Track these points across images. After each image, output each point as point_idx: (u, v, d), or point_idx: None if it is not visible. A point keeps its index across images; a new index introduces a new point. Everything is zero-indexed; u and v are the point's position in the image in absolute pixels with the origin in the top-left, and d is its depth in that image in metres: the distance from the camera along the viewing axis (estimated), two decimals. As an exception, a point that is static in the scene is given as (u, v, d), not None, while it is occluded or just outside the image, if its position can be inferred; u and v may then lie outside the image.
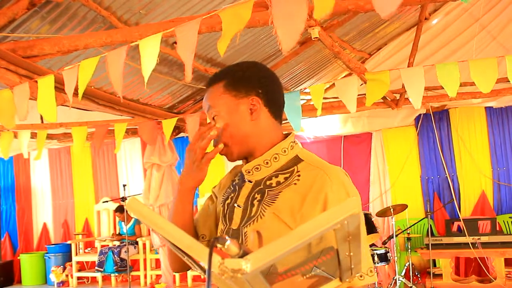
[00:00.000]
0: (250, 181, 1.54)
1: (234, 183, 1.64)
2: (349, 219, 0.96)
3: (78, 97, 3.37)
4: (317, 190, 1.39)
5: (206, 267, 0.91)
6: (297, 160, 1.51)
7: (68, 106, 4.07)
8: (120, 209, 8.57)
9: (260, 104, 1.50)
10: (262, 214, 1.43)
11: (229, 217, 1.53)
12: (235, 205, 1.53)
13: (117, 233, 8.95)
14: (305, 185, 1.42)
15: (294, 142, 1.57)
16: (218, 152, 1.51)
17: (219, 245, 0.94)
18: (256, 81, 1.52)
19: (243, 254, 0.95)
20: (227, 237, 0.94)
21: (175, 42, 3.02)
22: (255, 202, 1.47)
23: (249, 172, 1.54)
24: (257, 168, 1.52)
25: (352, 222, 0.98)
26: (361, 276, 1.37)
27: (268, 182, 1.49)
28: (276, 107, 1.55)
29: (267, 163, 1.51)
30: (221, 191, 1.70)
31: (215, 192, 1.74)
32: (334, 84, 5.37)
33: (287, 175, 1.48)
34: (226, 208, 1.58)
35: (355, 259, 1.18)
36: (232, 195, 1.59)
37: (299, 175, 1.46)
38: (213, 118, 1.52)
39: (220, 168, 8.75)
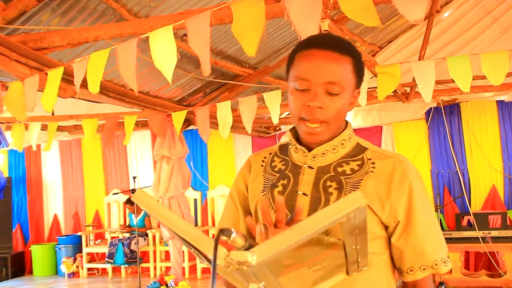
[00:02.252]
0: (311, 167, 1.44)
1: (276, 169, 1.51)
2: (355, 212, 0.96)
3: (89, 90, 3.38)
4: (400, 179, 1.38)
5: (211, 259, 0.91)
6: (361, 148, 1.47)
7: (75, 98, 4.09)
8: (130, 201, 8.60)
9: (357, 99, 1.47)
10: None
11: (289, 206, 1.39)
12: (300, 193, 1.41)
13: (127, 224, 9.00)
14: (384, 174, 1.40)
15: None
16: None
17: (224, 238, 0.94)
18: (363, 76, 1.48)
19: (249, 246, 0.95)
20: (232, 229, 0.94)
21: (185, 35, 3.02)
22: (332, 190, 1.39)
23: (314, 157, 1.44)
24: (323, 154, 1.44)
25: (358, 215, 0.98)
26: (444, 262, 1.41)
27: (339, 169, 1.42)
28: None
29: (334, 149, 1.44)
30: (254, 180, 1.54)
31: (239, 186, 1.58)
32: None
33: (359, 162, 1.43)
34: (277, 197, 1.42)
35: (362, 252, 1.18)
36: (282, 182, 1.47)
37: (373, 163, 1.42)
38: (327, 93, 1.35)
39: (229, 160, 8.76)
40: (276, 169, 1.52)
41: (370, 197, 1.36)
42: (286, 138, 8.71)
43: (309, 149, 1.45)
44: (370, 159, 1.44)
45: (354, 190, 1.36)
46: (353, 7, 2.27)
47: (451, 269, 6.59)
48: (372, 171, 1.41)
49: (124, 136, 6.09)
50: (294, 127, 1.49)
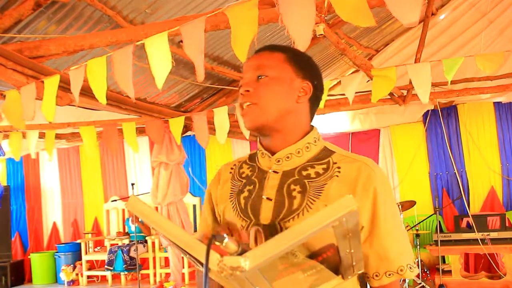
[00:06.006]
0: (276, 172, 1.44)
1: (244, 175, 1.53)
2: (347, 216, 0.96)
3: (98, 101, 3.37)
4: (364, 183, 1.38)
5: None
6: (328, 151, 1.47)
7: (75, 106, 4.09)
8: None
9: (309, 93, 1.47)
10: (309, 207, 1.35)
11: (254, 211, 1.41)
12: (264, 197, 1.41)
13: (125, 231, 8.98)
14: (349, 178, 1.39)
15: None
16: None
17: (217, 243, 0.94)
18: (316, 72, 1.51)
19: (242, 251, 0.95)
20: (225, 235, 0.94)
21: (181, 41, 3.03)
22: (296, 194, 1.38)
23: (279, 161, 1.44)
24: (288, 158, 1.44)
25: (351, 219, 0.98)
26: (410, 268, 1.40)
27: (304, 173, 1.42)
28: (315, 107, 1.53)
29: (298, 152, 1.44)
30: (223, 187, 1.57)
31: (212, 192, 1.61)
32: (340, 81, 5.35)
33: (324, 166, 1.43)
34: (243, 202, 1.45)
35: (356, 256, 1.18)
36: (248, 187, 1.47)
37: (338, 167, 1.41)
38: (258, 78, 1.42)
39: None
40: (243, 175, 1.53)
41: (332, 201, 1.33)
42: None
43: (272, 153, 1.46)
44: (336, 162, 1.43)
45: (318, 194, 1.37)
46: (347, 9, 2.28)
47: (451, 271, 6.59)
48: (337, 175, 1.40)
49: (123, 142, 6.09)
50: None
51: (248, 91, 1.42)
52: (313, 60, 1.54)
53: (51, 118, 3.57)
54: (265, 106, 1.41)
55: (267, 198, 1.41)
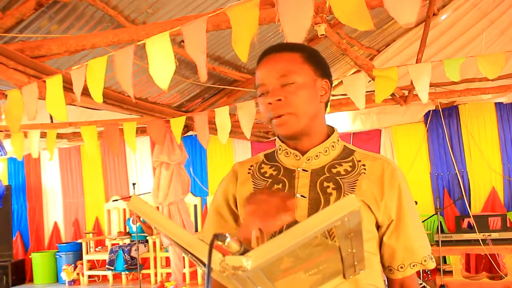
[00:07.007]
0: (305, 170, 1.45)
1: (267, 175, 1.50)
2: (349, 216, 0.96)
3: (93, 99, 3.37)
4: (390, 180, 1.44)
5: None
6: (349, 150, 1.51)
7: (76, 105, 4.09)
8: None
9: (328, 91, 1.49)
10: None
11: None
12: (298, 195, 1.41)
13: (126, 231, 8.98)
14: (375, 175, 1.44)
15: None
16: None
17: (219, 242, 0.94)
18: (329, 69, 1.52)
19: (244, 251, 0.95)
20: (227, 234, 0.94)
21: (183, 41, 3.03)
22: (331, 191, 1.41)
23: (308, 159, 1.46)
24: (317, 156, 1.46)
25: (353, 219, 0.98)
26: (432, 259, 1.48)
27: (334, 171, 1.45)
28: (327, 104, 1.54)
29: (326, 151, 1.47)
30: (243, 186, 1.52)
31: (230, 188, 1.55)
32: (342, 81, 5.35)
33: (350, 163, 1.47)
34: None
35: (358, 256, 1.18)
36: (277, 186, 1.46)
37: (363, 165, 1.46)
38: (282, 86, 1.40)
39: (229, 165, 8.74)
40: (266, 175, 1.51)
41: (366, 197, 1.41)
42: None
43: (301, 152, 1.47)
44: (360, 160, 1.48)
45: (352, 190, 1.41)
46: (346, 12, 2.28)
47: (452, 272, 6.58)
48: (364, 172, 1.45)
49: (124, 142, 6.08)
50: None
51: (280, 100, 1.40)
52: (323, 58, 1.55)
53: (63, 117, 3.58)
54: (302, 114, 1.41)
55: (301, 196, 1.42)
